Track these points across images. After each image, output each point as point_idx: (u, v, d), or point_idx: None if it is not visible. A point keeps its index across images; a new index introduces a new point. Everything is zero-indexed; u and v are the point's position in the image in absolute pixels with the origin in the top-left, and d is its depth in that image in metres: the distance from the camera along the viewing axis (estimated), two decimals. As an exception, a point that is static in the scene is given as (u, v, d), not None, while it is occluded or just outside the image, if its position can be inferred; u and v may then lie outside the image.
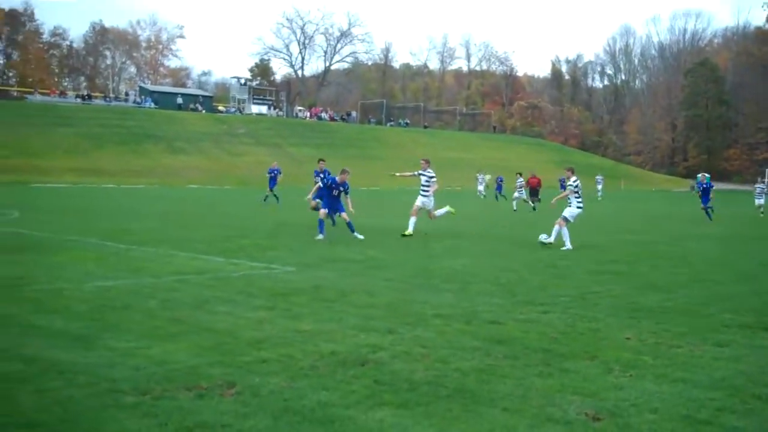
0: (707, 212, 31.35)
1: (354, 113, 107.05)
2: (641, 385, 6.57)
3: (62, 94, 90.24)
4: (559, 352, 7.63)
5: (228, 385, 6.22)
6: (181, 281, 11.64)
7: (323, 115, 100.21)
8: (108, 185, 50.30)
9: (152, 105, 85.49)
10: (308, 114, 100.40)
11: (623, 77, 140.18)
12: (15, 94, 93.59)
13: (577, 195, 18.36)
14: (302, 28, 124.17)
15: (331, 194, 19.03)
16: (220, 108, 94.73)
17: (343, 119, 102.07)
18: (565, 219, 18.27)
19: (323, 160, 23.23)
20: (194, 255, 14.88)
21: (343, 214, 18.93)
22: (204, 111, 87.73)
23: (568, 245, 17.78)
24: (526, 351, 7.64)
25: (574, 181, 18.50)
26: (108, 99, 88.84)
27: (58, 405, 5.65)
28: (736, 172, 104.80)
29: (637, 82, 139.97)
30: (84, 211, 26.57)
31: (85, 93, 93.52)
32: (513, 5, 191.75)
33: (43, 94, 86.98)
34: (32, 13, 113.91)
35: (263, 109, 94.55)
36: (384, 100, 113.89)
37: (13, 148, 60.53)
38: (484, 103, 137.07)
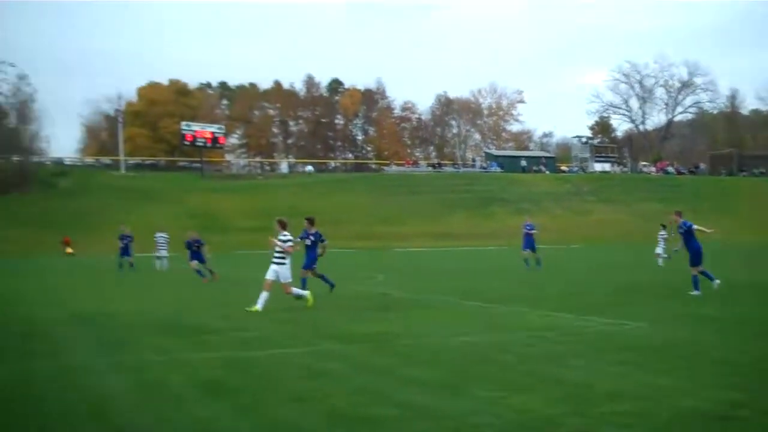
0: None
1: (702, 165, 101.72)
2: None
3: (415, 163, 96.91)
4: None
5: (585, 434, 6.48)
6: (534, 337, 12.07)
7: (669, 168, 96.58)
8: (459, 248, 52.75)
9: (497, 169, 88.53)
10: (653, 169, 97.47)
11: None
12: (374, 166, 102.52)
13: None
14: (640, 82, 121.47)
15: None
16: (563, 168, 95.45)
17: (691, 172, 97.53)
18: None
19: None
20: (545, 312, 15.29)
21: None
22: (547, 171, 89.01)
23: None
24: None
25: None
26: (456, 166, 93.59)
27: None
28: None
29: None
30: (439, 273, 28.28)
31: (436, 162, 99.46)
32: None
33: (398, 164, 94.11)
34: (384, 91, 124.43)
35: (606, 166, 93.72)
36: (733, 149, 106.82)
37: (375, 216, 66.21)
38: None
